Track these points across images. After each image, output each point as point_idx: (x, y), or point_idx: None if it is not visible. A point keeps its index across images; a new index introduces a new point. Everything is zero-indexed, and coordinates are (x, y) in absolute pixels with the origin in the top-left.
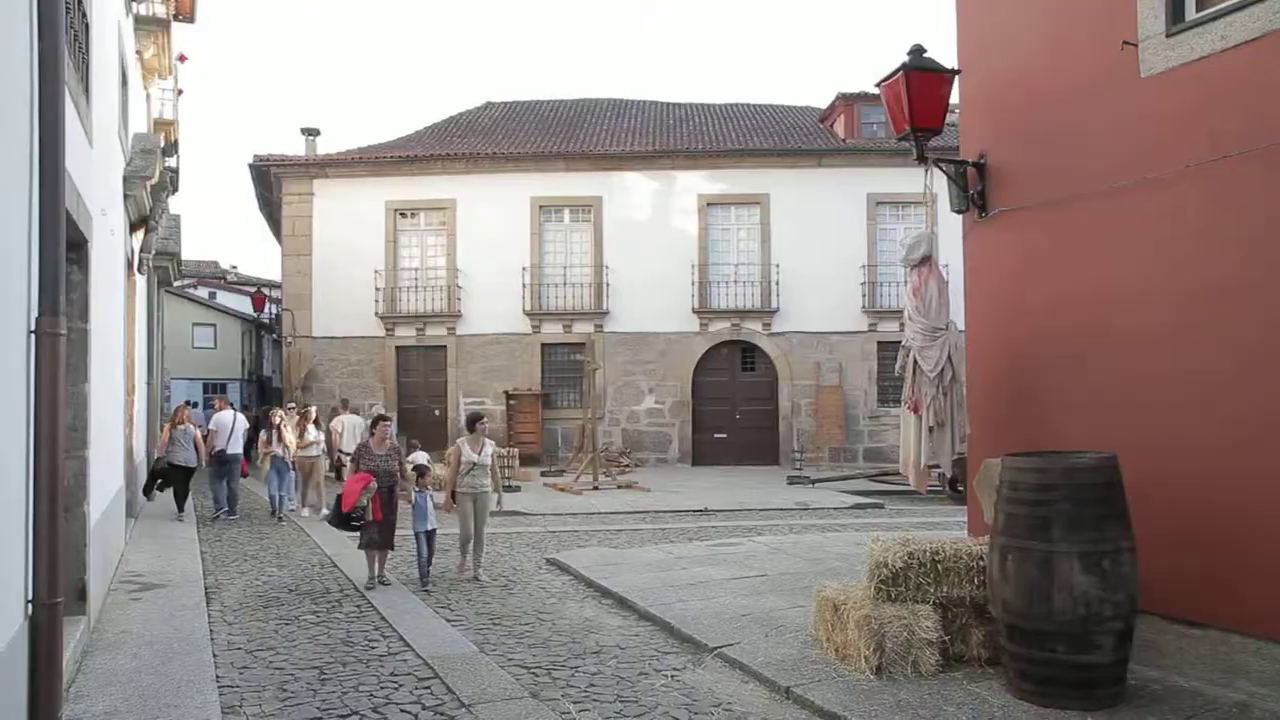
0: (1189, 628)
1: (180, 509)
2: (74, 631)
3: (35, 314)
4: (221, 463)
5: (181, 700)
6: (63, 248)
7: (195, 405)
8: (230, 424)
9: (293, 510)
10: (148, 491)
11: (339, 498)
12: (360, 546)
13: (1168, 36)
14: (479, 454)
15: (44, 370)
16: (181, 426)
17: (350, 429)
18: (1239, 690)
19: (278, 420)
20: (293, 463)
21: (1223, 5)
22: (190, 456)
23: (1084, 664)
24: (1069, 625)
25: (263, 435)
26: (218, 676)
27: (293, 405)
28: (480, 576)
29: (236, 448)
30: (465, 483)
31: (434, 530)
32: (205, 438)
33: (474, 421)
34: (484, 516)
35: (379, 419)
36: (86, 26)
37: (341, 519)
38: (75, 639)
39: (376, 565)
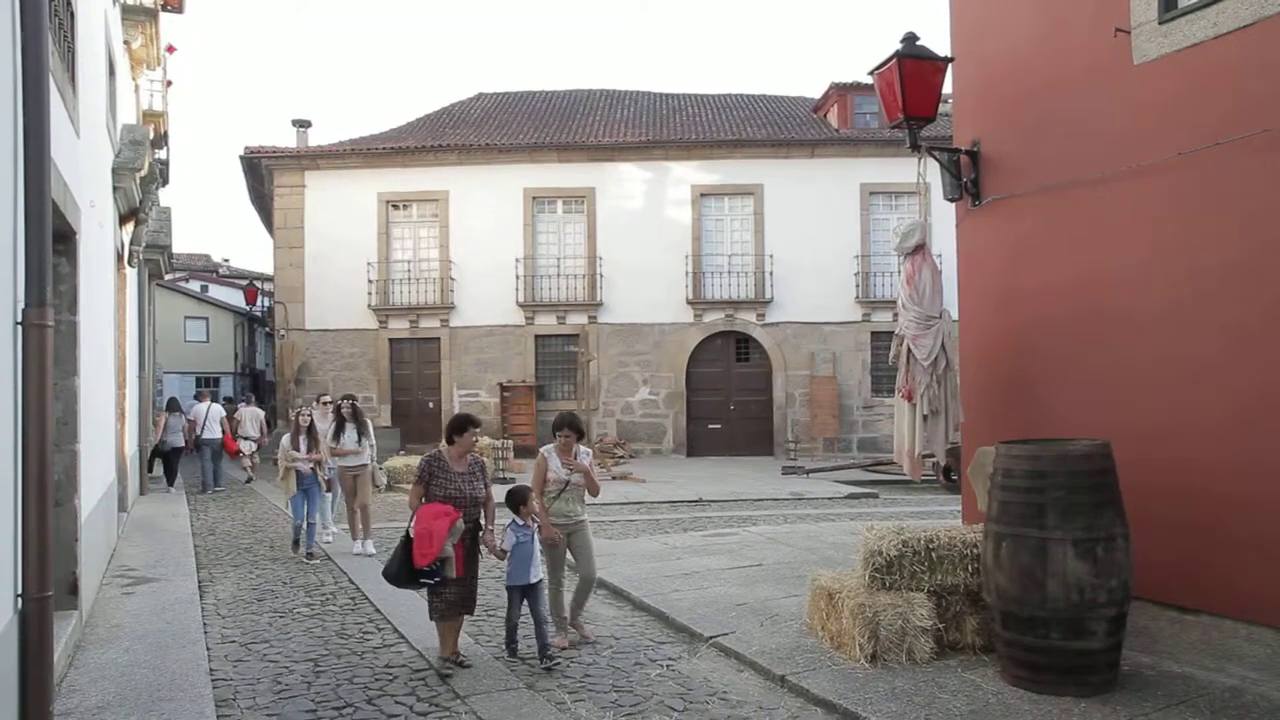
0: (1181, 613)
1: (170, 483)
2: (65, 626)
3: (22, 305)
4: (199, 445)
5: (175, 694)
6: (48, 238)
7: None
8: (205, 413)
9: (329, 542)
10: (151, 468)
11: (405, 544)
12: (433, 616)
13: (1160, 23)
14: (571, 468)
15: (31, 362)
16: (172, 416)
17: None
18: (1231, 675)
19: (307, 420)
20: (325, 480)
21: None
22: (179, 440)
23: (1078, 650)
24: (1063, 612)
25: (285, 442)
26: (211, 670)
27: (328, 398)
28: (587, 635)
29: (212, 432)
30: (554, 509)
31: (541, 582)
32: (189, 424)
33: (567, 424)
34: (585, 556)
35: (337, 405)
36: (72, 15)
37: (409, 574)
38: (67, 633)
39: (452, 639)
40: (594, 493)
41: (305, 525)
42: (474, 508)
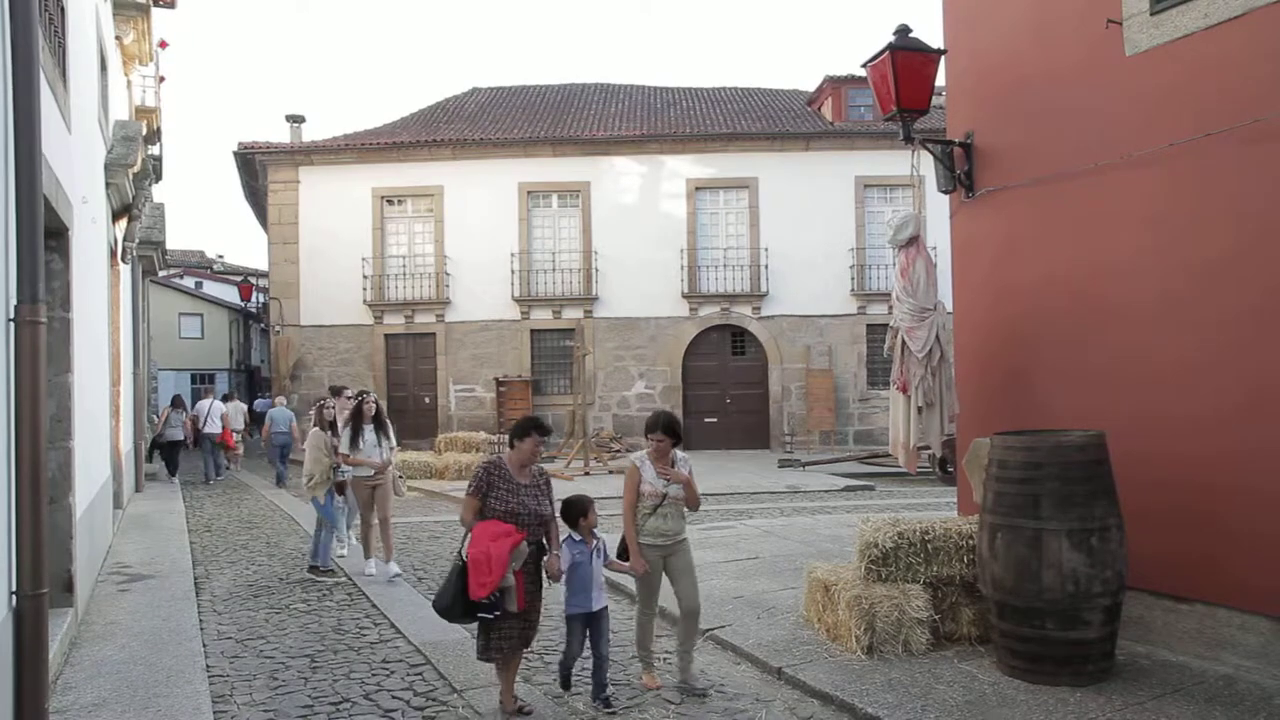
0: (1176, 603)
1: (171, 474)
2: (61, 623)
3: (14, 302)
4: (199, 440)
5: (171, 690)
6: (40, 235)
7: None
8: (208, 409)
9: (343, 555)
10: (149, 458)
11: (460, 570)
12: (482, 655)
13: (1151, 15)
14: (669, 478)
15: (23, 359)
16: (174, 411)
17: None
18: (1225, 663)
19: (331, 414)
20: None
21: None
22: (178, 434)
23: (1073, 640)
24: (1058, 602)
25: (320, 439)
26: (208, 666)
27: (348, 390)
28: (698, 685)
29: (213, 427)
30: (650, 527)
31: (605, 610)
32: (193, 420)
33: (663, 424)
34: (687, 581)
35: (359, 402)
36: (62, 10)
37: (463, 607)
38: (62, 630)
39: (509, 683)
40: (694, 505)
41: (322, 546)
42: (539, 527)
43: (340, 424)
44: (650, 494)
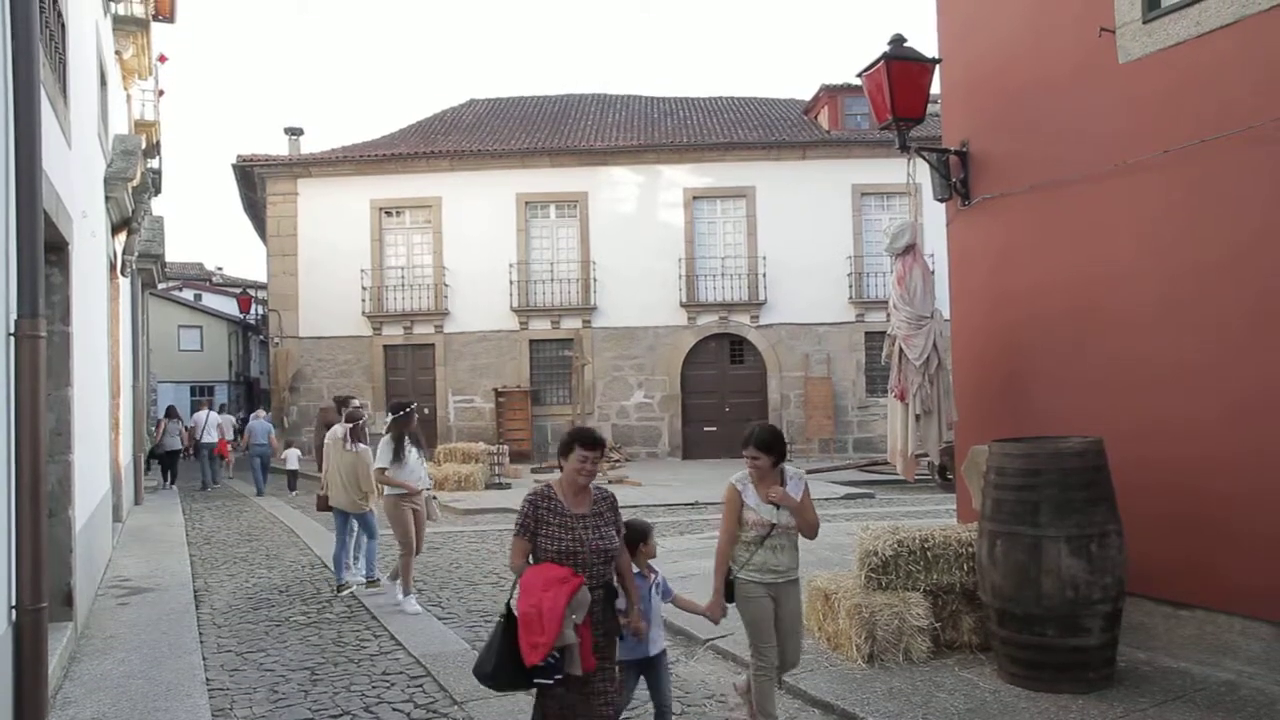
0: (1177, 609)
1: (170, 482)
2: (60, 637)
3: (14, 316)
4: (198, 450)
5: (171, 704)
6: (40, 249)
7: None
8: (205, 420)
9: (360, 584)
10: (148, 469)
11: (507, 628)
12: None
13: (1144, 23)
14: (778, 502)
15: (24, 373)
16: (171, 422)
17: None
18: (1227, 669)
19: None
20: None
21: None
22: (176, 443)
23: (1073, 647)
24: (1058, 609)
25: (384, 448)
26: (208, 680)
27: (358, 401)
28: None
29: (210, 437)
30: (758, 561)
31: (664, 654)
32: (190, 431)
33: (755, 438)
34: (791, 630)
35: (404, 412)
36: (63, 26)
37: (511, 672)
38: (62, 644)
39: None
40: (810, 534)
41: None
42: (603, 565)
43: (343, 434)
44: (756, 524)
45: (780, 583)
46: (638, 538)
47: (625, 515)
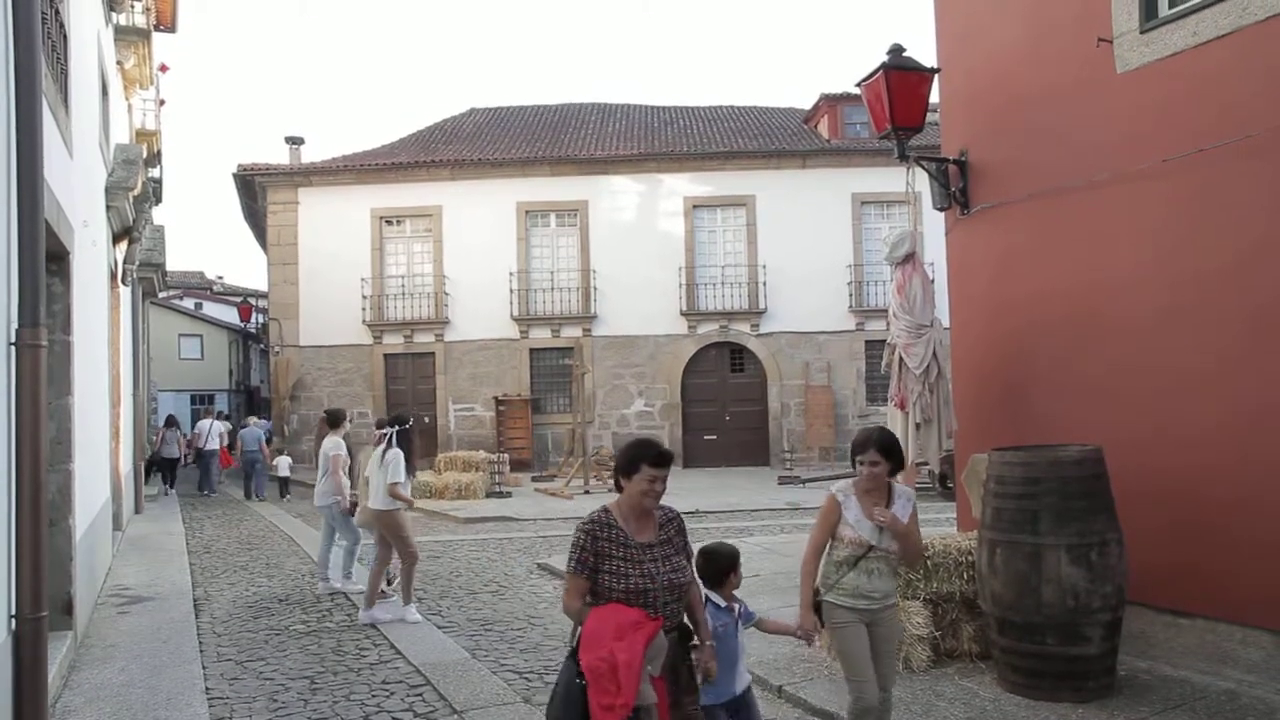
0: (1177, 618)
1: (170, 488)
2: (60, 646)
3: (15, 325)
4: (200, 456)
5: (171, 713)
6: (42, 259)
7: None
8: (207, 429)
9: (350, 591)
10: (147, 475)
11: (573, 684)
12: None
13: (1142, 33)
14: (881, 522)
15: (24, 382)
16: (169, 430)
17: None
18: (1227, 678)
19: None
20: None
21: (1194, 2)
22: (174, 451)
23: (1073, 656)
24: (1058, 617)
25: (401, 460)
26: (207, 688)
27: (348, 417)
28: None
29: (212, 444)
30: (849, 584)
31: (748, 693)
32: (190, 439)
33: (876, 441)
34: (886, 661)
35: (383, 426)
36: (65, 37)
37: None
38: (61, 653)
39: None
40: (913, 561)
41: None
42: (677, 604)
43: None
44: (852, 541)
45: (876, 609)
46: (727, 566)
47: None
